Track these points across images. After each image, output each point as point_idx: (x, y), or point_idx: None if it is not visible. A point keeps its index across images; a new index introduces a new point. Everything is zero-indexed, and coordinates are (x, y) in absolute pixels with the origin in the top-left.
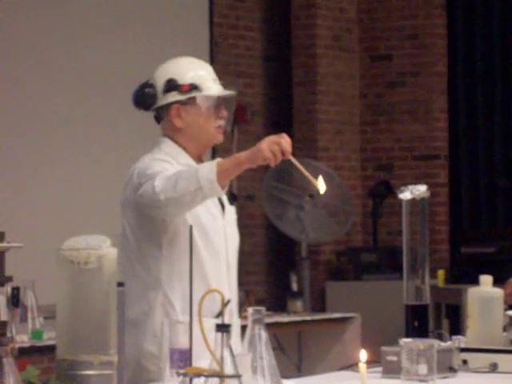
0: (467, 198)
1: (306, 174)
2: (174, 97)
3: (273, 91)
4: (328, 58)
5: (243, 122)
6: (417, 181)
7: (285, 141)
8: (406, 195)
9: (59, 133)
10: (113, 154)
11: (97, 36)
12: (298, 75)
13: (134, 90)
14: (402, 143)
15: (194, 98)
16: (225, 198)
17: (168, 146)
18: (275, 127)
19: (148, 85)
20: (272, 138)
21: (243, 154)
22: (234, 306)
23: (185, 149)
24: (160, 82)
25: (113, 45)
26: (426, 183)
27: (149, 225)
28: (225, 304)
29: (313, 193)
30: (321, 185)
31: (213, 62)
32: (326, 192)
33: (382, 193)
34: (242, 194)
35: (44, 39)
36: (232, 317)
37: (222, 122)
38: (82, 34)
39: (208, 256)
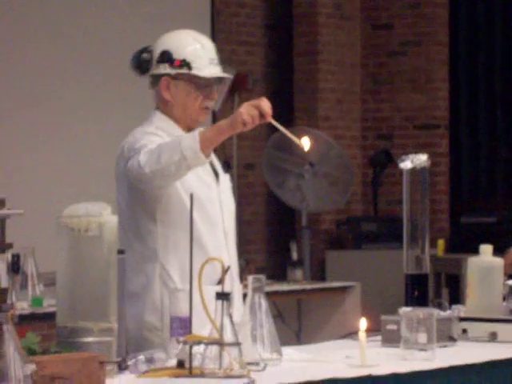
0: (467, 167)
1: (288, 134)
2: (165, 69)
3: (274, 60)
4: (329, 26)
5: (244, 90)
6: (417, 150)
7: (264, 103)
8: (406, 164)
9: (60, 100)
10: (114, 121)
11: (96, 3)
12: (299, 44)
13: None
14: (403, 113)
15: (183, 75)
16: (219, 167)
17: (159, 118)
18: (276, 96)
19: (146, 50)
20: (251, 102)
21: (224, 122)
22: (234, 273)
23: (176, 121)
24: (157, 51)
25: (112, 13)
26: (427, 153)
27: (141, 198)
28: (225, 271)
29: (313, 162)
30: (304, 143)
31: (214, 30)
32: (310, 149)
33: (383, 162)
34: (242, 163)
35: (43, 8)
36: (233, 284)
37: (209, 103)
38: (81, 4)
39: (204, 226)
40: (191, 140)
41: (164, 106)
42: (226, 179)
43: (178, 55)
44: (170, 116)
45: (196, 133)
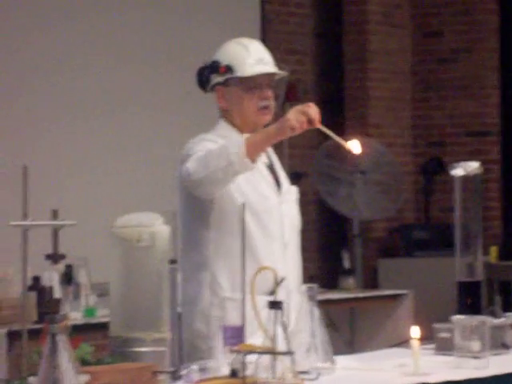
0: None
1: (337, 138)
2: (215, 79)
3: (324, 68)
4: (379, 34)
5: (294, 99)
6: (469, 157)
7: (312, 109)
8: (457, 172)
9: (113, 111)
10: (167, 131)
11: (147, 15)
12: (349, 52)
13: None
14: (454, 120)
15: (230, 80)
16: (283, 178)
17: (221, 126)
18: (326, 104)
19: (203, 67)
20: (298, 107)
21: (271, 127)
22: (292, 284)
23: (239, 128)
24: (209, 65)
25: (162, 22)
26: (478, 159)
27: (195, 204)
28: (279, 282)
29: (364, 170)
30: (354, 146)
31: (264, 39)
32: (360, 153)
33: (434, 169)
34: (292, 172)
35: (102, 18)
36: (289, 295)
37: (265, 103)
38: (135, 12)
39: (259, 235)
40: (237, 146)
41: (225, 115)
42: (291, 191)
43: (222, 62)
44: (233, 124)
45: (243, 138)
